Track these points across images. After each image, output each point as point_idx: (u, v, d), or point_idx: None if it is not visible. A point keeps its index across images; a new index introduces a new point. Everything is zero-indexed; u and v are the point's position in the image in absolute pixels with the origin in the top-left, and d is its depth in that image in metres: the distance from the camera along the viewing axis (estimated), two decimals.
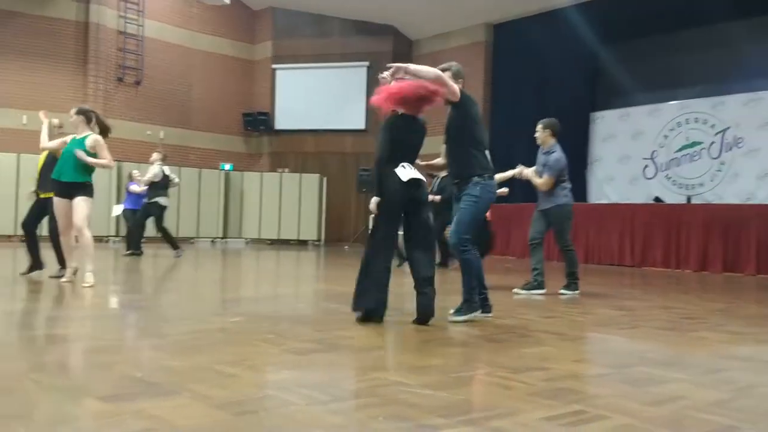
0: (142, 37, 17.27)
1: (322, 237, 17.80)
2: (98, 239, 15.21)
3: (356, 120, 18.33)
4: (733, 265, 10.71)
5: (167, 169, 11.02)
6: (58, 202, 6.27)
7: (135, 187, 11.69)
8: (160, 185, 10.80)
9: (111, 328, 4.25)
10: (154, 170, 10.80)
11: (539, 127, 6.84)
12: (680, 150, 13.60)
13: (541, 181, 6.70)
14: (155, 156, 11.01)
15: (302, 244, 17.43)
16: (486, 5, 15.42)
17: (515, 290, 6.75)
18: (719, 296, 7.36)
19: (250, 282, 8.11)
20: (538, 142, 6.85)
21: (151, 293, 6.38)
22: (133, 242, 10.88)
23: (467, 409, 2.48)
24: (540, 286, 6.70)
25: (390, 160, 4.40)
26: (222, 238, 17.07)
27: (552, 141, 6.74)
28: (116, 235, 15.55)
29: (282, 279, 8.62)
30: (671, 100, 13.78)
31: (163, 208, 10.82)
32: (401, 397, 2.57)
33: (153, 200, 10.75)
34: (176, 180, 11.40)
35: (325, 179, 17.99)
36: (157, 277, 8.02)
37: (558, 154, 6.64)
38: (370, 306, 4.40)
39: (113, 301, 5.58)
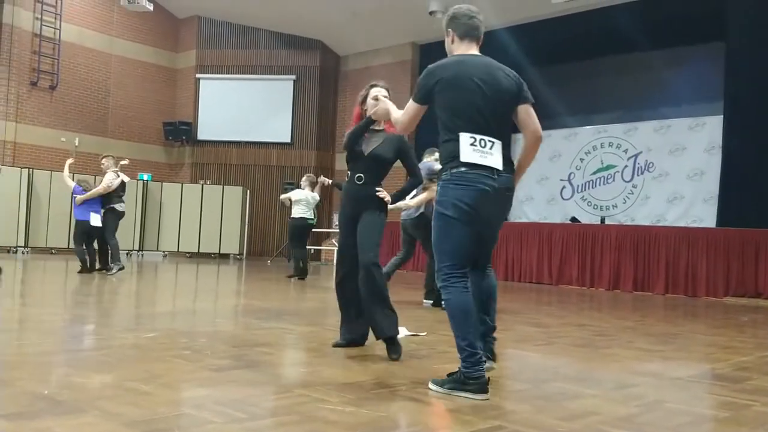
0: (59, 40, 16.64)
1: (244, 251, 17.52)
2: (5, 249, 14.48)
3: (282, 133, 18.21)
4: (643, 284, 11.18)
5: (124, 177, 10.21)
6: None
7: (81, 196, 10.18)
8: (116, 193, 9.91)
9: (14, 342, 4.03)
10: (109, 177, 9.86)
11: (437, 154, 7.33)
12: (595, 173, 14.12)
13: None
14: (109, 162, 10.13)
15: (223, 257, 17.09)
16: (413, 25, 15.67)
17: (424, 302, 7.01)
18: (629, 314, 7.65)
19: (167, 296, 7.87)
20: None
21: (60, 307, 6.10)
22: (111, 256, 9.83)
23: (388, 426, 2.47)
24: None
25: None
26: (138, 250, 16.54)
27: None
28: (25, 246, 14.83)
29: (201, 293, 8.42)
30: (588, 125, 14.32)
31: (120, 215, 10.00)
32: (321, 414, 2.54)
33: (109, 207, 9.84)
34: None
35: (248, 192, 17.74)
36: (66, 291, 7.68)
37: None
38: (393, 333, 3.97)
39: (18, 315, 5.29)
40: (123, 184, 10.14)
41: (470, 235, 3.09)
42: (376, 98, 4.08)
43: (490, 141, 3.09)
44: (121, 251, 14.03)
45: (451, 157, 3.09)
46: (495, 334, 3.51)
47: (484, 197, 3.05)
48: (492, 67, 3.21)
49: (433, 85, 3.17)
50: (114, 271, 9.64)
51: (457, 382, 2.94)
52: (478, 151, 3.06)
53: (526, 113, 3.26)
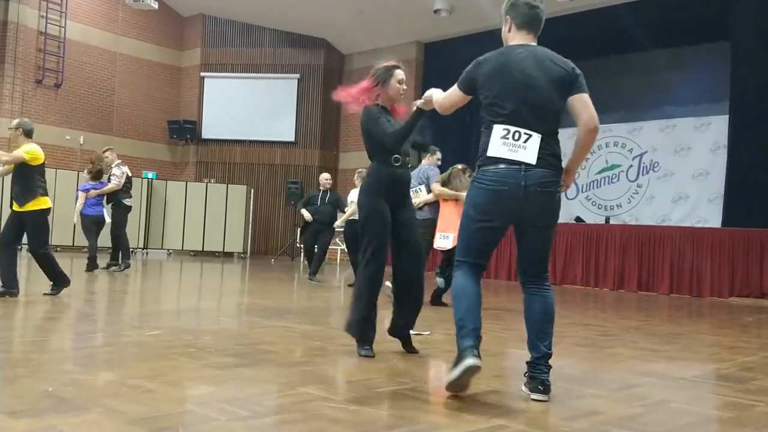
0: (64, 38, 16.66)
1: (248, 249, 17.54)
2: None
3: (286, 132, 18.21)
4: (648, 284, 11.15)
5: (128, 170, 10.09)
6: None
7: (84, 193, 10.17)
8: (123, 187, 9.85)
9: (18, 340, 4.04)
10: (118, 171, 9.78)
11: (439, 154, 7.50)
12: (600, 172, 14.10)
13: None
14: (113, 155, 10.03)
15: (227, 256, 17.11)
16: (417, 24, 15.65)
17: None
18: (634, 314, 7.63)
19: (171, 294, 7.89)
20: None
21: (65, 304, 6.11)
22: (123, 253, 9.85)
23: (391, 425, 2.47)
24: None
25: None
26: (143, 248, 16.57)
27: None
28: None
29: (205, 292, 8.43)
30: None
31: (127, 210, 9.90)
32: (324, 412, 2.54)
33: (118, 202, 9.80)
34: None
35: (252, 190, 17.75)
36: (71, 289, 7.69)
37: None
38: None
39: (22, 313, 5.31)
40: (129, 178, 10.08)
41: (483, 235, 3.06)
42: (401, 82, 4.08)
43: (526, 134, 2.96)
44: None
45: (481, 151, 3.04)
46: (552, 361, 3.16)
47: (500, 197, 2.96)
48: (540, 57, 3.09)
49: (476, 77, 3.11)
50: (122, 268, 9.65)
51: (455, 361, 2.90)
52: (509, 144, 2.95)
53: (581, 102, 3.08)
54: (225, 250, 16.96)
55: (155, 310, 5.93)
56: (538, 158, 2.94)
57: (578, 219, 13.32)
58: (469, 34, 14.81)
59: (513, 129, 2.96)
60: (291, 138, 18.20)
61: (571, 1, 12.77)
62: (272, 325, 4.97)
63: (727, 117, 11.92)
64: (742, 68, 11.58)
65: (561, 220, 13.87)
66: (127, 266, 9.76)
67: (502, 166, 2.95)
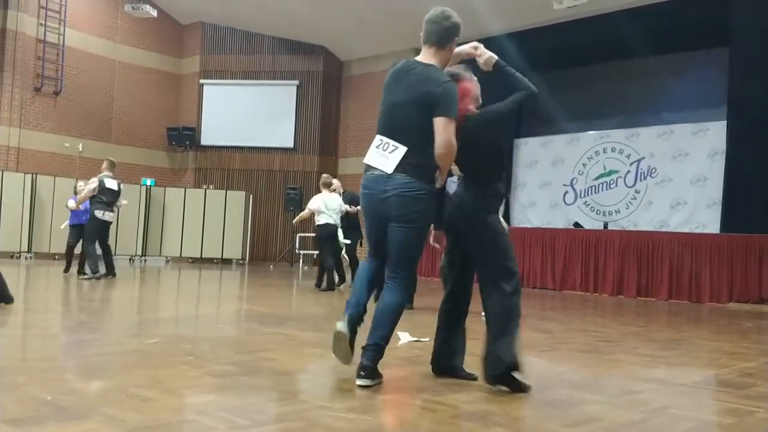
0: (63, 46, 16.68)
1: (247, 256, 17.52)
2: (8, 255, 14.50)
3: (285, 138, 18.22)
4: (647, 289, 11.15)
5: (109, 182, 9.69)
6: None
7: (71, 203, 10.37)
8: (96, 198, 9.56)
9: (18, 348, 4.03)
10: (92, 182, 9.62)
11: None
12: (598, 178, 14.10)
13: None
14: (104, 165, 9.92)
15: (226, 262, 17.09)
16: (415, 31, 15.64)
17: None
18: (633, 320, 7.63)
19: (170, 302, 7.87)
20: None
21: (63, 313, 6.11)
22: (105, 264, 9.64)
23: None
24: None
25: None
26: (141, 255, 16.55)
27: None
28: (28, 251, 14.85)
29: (203, 299, 8.42)
30: (590, 130, 14.30)
31: (99, 223, 9.54)
32: (324, 421, 2.54)
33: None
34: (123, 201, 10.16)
35: (251, 197, 17.75)
36: (70, 297, 7.69)
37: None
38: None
39: (21, 321, 5.30)
40: (105, 188, 9.57)
41: (369, 232, 3.43)
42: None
43: (394, 146, 3.25)
44: (124, 257, 13.89)
45: None
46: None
47: (369, 200, 3.33)
48: (419, 75, 3.30)
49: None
50: (87, 276, 9.29)
51: None
52: (380, 153, 3.28)
53: (438, 126, 3.20)
54: (224, 257, 16.94)
55: (154, 318, 5.92)
56: (399, 166, 3.21)
57: (577, 224, 13.32)
58: (464, 41, 14.83)
59: (385, 140, 3.29)
60: (290, 144, 18.21)
61: (568, 9, 12.81)
62: (272, 333, 4.96)
63: (724, 123, 11.93)
64: (739, 74, 11.60)
65: (560, 225, 13.74)
66: (95, 278, 9.23)
67: (370, 173, 3.33)
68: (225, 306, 7.52)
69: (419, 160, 3.22)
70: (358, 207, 8.39)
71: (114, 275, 9.67)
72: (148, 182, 17.19)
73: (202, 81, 18.69)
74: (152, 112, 18.61)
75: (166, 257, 16.99)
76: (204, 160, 18.71)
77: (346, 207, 9.42)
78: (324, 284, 9.25)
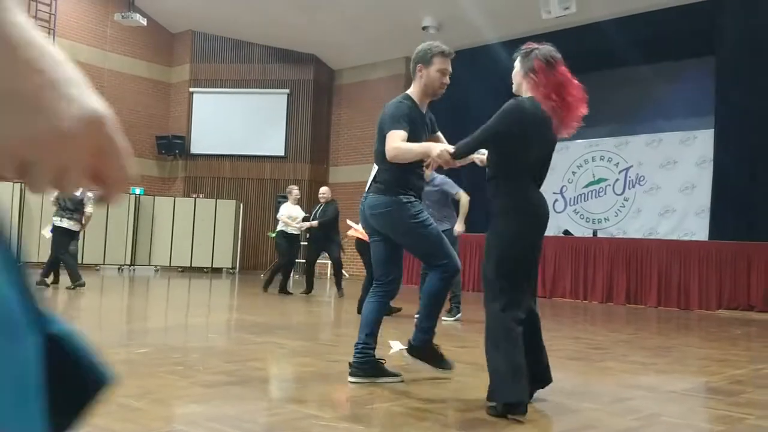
0: None
1: (237, 265, 17.45)
2: None
3: (275, 146, 18.19)
4: (636, 297, 11.18)
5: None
6: None
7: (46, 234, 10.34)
8: (62, 206, 9.44)
9: None
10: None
11: None
12: (587, 186, 14.17)
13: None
14: None
15: (216, 272, 17.02)
16: (406, 40, 15.73)
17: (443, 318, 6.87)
18: (623, 327, 7.64)
19: (159, 311, 7.82)
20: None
21: None
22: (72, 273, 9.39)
23: None
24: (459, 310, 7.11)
25: None
26: (130, 265, 16.45)
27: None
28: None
29: (193, 308, 8.37)
30: (579, 139, 14.38)
31: (62, 231, 9.43)
32: (315, 430, 2.52)
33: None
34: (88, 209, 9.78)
35: (241, 205, 17.69)
36: (57, 306, 7.62)
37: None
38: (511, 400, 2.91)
39: None
40: (67, 197, 9.27)
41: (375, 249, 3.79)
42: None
43: (374, 168, 3.81)
44: (112, 266, 13.82)
45: None
46: None
47: (363, 218, 3.78)
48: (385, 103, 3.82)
49: None
50: (79, 283, 9.13)
51: None
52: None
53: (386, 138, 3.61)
54: (213, 266, 16.87)
55: (143, 328, 5.88)
56: (370, 187, 3.74)
57: (566, 232, 13.37)
58: (456, 50, 14.87)
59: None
60: (281, 152, 18.18)
61: (557, 18, 12.89)
62: (262, 342, 4.94)
63: (712, 131, 12.02)
64: (726, 83, 11.70)
65: (550, 233, 13.79)
66: (45, 285, 9.21)
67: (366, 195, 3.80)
68: (215, 315, 7.48)
69: (385, 176, 3.66)
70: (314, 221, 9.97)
71: (47, 285, 9.41)
72: (137, 191, 17.12)
73: (192, 89, 18.65)
74: (142, 121, 18.55)
75: (156, 267, 16.89)
76: (194, 168, 18.64)
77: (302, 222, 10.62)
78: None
